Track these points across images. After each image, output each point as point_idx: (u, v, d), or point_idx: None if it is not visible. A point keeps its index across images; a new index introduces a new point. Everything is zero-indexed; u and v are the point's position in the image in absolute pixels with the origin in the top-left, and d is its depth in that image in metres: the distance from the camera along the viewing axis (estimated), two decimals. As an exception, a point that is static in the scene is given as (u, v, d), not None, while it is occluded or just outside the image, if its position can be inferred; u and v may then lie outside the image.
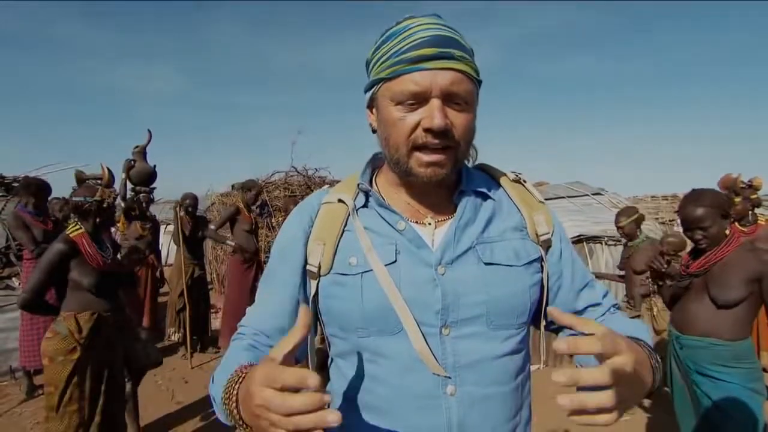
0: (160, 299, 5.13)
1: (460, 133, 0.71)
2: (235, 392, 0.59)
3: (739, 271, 1.82)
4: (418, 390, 0.72)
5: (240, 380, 0.60)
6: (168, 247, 7.89)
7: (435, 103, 0.68)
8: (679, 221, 2.07)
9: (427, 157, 0.71)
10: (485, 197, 0.82)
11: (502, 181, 0.87)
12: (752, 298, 1.82)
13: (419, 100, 0.69)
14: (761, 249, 1.83)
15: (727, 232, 1.92)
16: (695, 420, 1.96)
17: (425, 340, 0.71)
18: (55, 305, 2.35)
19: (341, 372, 0.80)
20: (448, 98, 0.69)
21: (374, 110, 0.78)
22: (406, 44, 0.69)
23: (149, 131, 4.67)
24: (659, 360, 0.66)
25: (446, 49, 0.68)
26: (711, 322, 1.87)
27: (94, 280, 2.31)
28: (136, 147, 4.59)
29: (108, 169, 2.59)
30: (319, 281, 0.78)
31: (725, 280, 1.84)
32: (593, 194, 5.16)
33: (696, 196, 1.93)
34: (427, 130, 0.69)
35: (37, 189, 3.74)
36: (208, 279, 6.22)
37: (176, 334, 4.64)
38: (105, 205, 2.40)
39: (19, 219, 3.58)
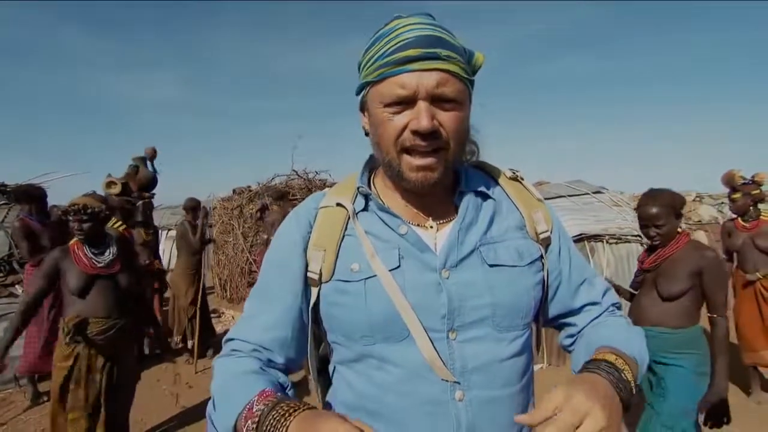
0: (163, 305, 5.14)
1: (450, 133, 0.69)
2: (286, 425, 0.58)
3: (684, 265, 1.98)
4: (425, 396, 0.70)
5: (292, 412, 0.59)
6: (170, 253, 7.92)
7: (422, 105, 0.67)
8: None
9: (417, 161, 0.70)
10: (485, 197, 0.81)
11: (500, 179, 0.85)
12: (695, 290, 1.98)
13: (407, 102, 0.68)
14: (704, 246, 2.03)
15: (679, 230, 2.06)
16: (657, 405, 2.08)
17: (433, 345, 0.70)
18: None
19: (345, 380, 0.78)
20: (436, 99, 0.68)
21: (366, 113, 0.77)
22: (392, 46, 0.68)
23: (154, 148, 4.83)
24: (628, 378, 0.65)
25: (432, 50, 0.66)
26: (659, 313, 2.04)
27: (81, 283, 2.30)
28: (138, 156, 4.68)
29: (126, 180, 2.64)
30: (320, 288, 0.76)
31: (672, 275, 2.00)
32: (594, 193, 5.13)
33: (653, 195, 2.06)
34: (414, 133, 0.68)
35: (37, 196, 3.76)
36: (210, 284, 6.24)
37: (189, 341, 4.61)
38: (98, 211, 2.39)
39: (26, 227, 3.58)
